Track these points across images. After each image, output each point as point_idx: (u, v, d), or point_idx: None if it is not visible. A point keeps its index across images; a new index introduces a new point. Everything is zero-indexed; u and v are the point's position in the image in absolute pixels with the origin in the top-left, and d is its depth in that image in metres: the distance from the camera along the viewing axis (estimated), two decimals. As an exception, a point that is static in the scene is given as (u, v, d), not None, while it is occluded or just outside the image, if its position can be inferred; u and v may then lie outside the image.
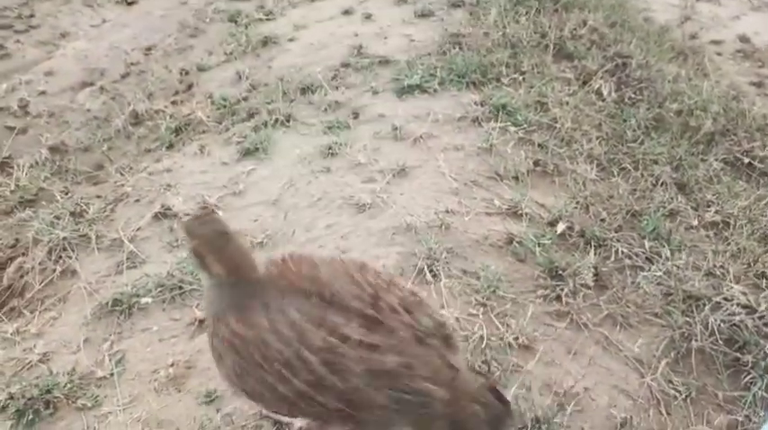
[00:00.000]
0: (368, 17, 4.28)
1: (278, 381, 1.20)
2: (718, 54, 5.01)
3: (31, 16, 5.23)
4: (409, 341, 1.23)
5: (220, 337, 1.27)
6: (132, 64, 4.32)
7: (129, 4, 5.50)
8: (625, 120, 3.19)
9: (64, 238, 2.41)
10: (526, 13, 4.18)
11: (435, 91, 3.29)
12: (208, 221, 1.32)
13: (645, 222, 2.41)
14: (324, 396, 1.20)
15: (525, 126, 2.97)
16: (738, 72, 4.73)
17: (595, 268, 2.10)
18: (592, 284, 2.03)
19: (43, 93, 4.00)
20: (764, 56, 4.93)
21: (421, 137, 2.88)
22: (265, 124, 3.14)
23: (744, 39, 5.23)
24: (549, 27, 3.95)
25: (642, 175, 2.78)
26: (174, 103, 3.65)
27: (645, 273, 2.11)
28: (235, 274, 1.27)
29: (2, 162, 3.23)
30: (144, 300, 2.07)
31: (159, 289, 2.12)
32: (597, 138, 3.00)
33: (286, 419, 1.58)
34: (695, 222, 2.53)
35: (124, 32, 4.90)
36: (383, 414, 1.22)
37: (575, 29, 3.99)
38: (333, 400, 1.20)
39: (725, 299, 2.02)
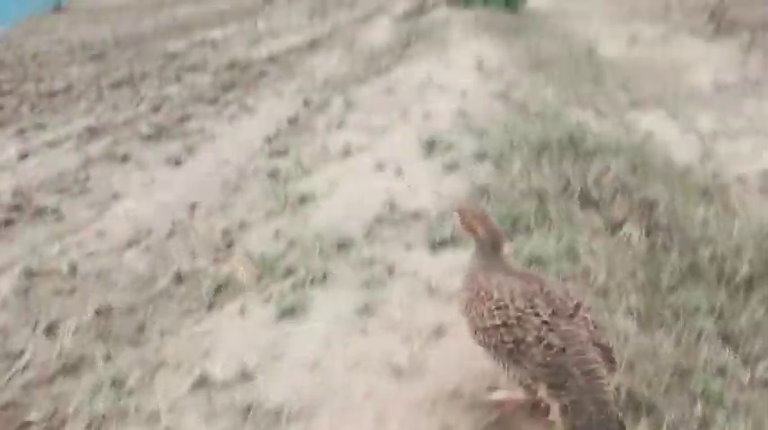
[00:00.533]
0: (398, 172, 4.53)
1: (488, 315, 1.98)
2: (744, 191, 5.07)
3: (86, 179, 5.68)
4: (580, 339, 1.87)
5: (470, 288, 2.13)
6: (177, 222, 4.56)
7: (177, 164, 5.95)
8: (659, 268, 3.18)
9: (103, 414, 2.41)
10: (549, 162, 4.37)
11: (467, 244, 3.36)
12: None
13: (694, 382, 2.32)
14: (506, 335, 1.92)
15: (559, 277, 2.98)
16: (767, 209, 4.75)
17: (648, 439, 1.99)
18: (648, 460, 1.92)
19: (92, 254, 4.22)
20: (791, 192, 4.96)
21: (456, 293, 2.91)
22: (303, 282, 3.22)
23: (767, 174, 5.31)
24: (573, 175, 4.10)
25: (684, 328, 2.72)
26: (215, 260, 3.80)
27: (703, 447, 1.99)
28: (490, 246, 2.16)
29: (49, 325, 3.33)
30: (180, 482, 2.02)
31: (196, 468, 2.07)
32: (633, 288, 2.99)
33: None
34: (746, 380, 2.41)
35: (171, 191, 5.24)
36: (535, 367, 1.86)
37: (598, 176, 4.13)
38: (510, 340, 1.91)
39: (794, 473, 1.87)
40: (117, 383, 2.62)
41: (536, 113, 6.28)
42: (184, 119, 7.66)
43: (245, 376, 2.55)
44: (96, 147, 6.61)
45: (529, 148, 4.61)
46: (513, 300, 1.95)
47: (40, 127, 7.65)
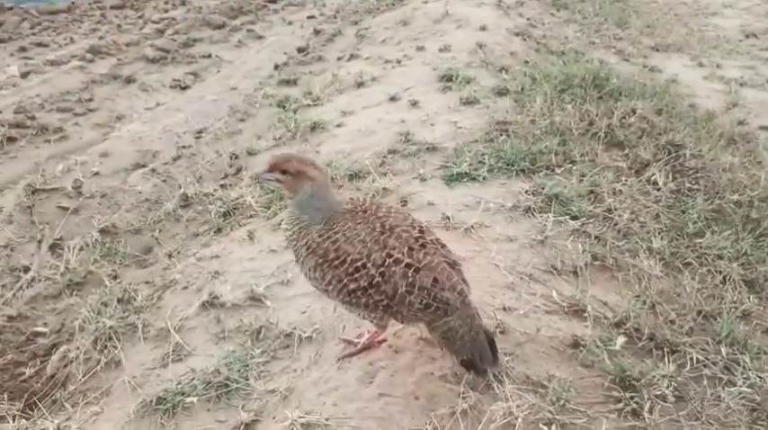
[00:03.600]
0: (414, 104, 4.35)
1: (348, 279, 1.81)
2: (770, 140, 4.91)
3: (90, 100, 5.51)
4: (441, 264, 1.84)
5: (303, 244, 1.88)
6: (184, 147, 4.44)
7: (183, 88, 5.76)
8: (684, 212, 3.08)
9: (110, 327, 2.36)
10: (572, 100, 4.19)
11: (484, 179, 3.25)
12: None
13: (719, 325, 2.25)
14: (377, 295, 1.80)
15: (580, 217, 2.88)
16: (793, 159, 4.61)
17: (672, 378, 1.93)
18: (671, 397, 1.86)
19: (97, 174, 4.12)
20: (817, 142, 4.80)
21: (472, 227, 2.81)
22: (314, 210, 3.12)
23: (794, 125, 5.13)
24: (597, 115, 3.93)
25: (709, 272, 2.64)
26: (223, 186, 3.70)
27: (728, 388, 1.94)
28: (326, 185, 1.93)
29: (53, 243, 3.26)
30: (189, 400, 1.98)
31: (205, 386, 2.03)
32: (656, 230, 2.89)
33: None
34: (772, 325, 2.35)
35: (177, 116, 5.09)
36: (416, 312, 1.81)
37: (623, 117, 3.96)
38: (383, 297, 1.80)
39: (820, 418, 1.83)
40: (124, 301, 2.57)
41: (557, 52, 6.03)
42: (190, 43, 7.40)
43: (255, 299, 2.48)
44: (100, 69, 6.40)
45: (551, 86, 4.41)
46: (369, 257, 1.79)
47: (42, 45, 7.40)
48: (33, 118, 5.00)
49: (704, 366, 2.07)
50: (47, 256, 3.19)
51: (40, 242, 3.29)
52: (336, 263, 1.82)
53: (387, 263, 1.78)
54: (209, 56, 7.00)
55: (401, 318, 1.86)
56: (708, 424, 1.86)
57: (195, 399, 1.98)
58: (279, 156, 1.95)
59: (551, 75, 4.64)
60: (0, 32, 7.76)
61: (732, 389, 1.94)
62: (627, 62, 6.44)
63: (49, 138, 4.72)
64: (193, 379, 2.07)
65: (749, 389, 1.96)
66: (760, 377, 2.02)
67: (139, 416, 1.98)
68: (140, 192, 3.83)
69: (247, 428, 1.87)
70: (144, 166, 4.20)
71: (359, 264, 1.80)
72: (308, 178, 1.86)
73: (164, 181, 3.95)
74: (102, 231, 3.35)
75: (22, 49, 7.18)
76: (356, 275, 1.80)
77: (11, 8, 8.96)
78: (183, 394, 2.00)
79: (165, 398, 1.99)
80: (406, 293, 1.78)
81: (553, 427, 1.72)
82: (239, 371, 2.08)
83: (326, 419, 1.80)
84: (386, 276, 1.78)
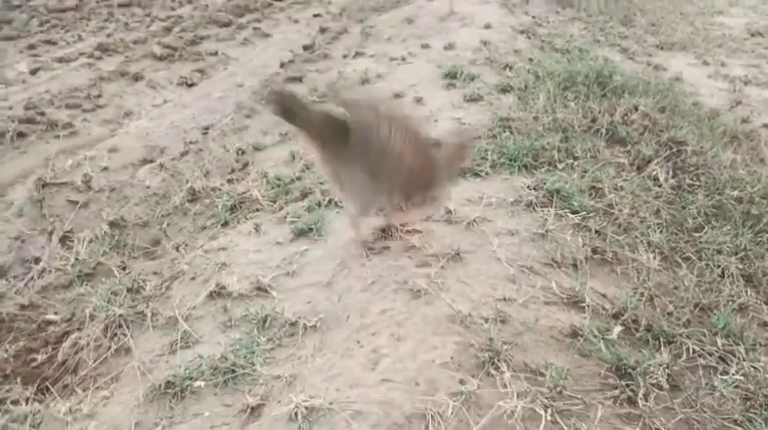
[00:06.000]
0: (418, 101, 4.40)
1: None
2: (773, 138, 4.93)
3: (99, 96, 5.58)
4: None
5: None
6: (191, 142, 4.50)
7: (190, 86, 5.82)
8: (684, 208, 3.12)
9: (120, 315, 2.42)
10: (575, 98, 4.23)
11: (487, 174, 3.30)
12: None
13: (715, 317, 2.30)
14: None
15: (581, 212, 2.93)
16: (795, 157, 4.63)
17: (667, 367, 1.98)
18: (666, 385, 1.91)
19: (106, 169, 4.18)
20: (821, 141, 4.82)
21: (474, 220, 2.86)
22: (319, 204, 3.18)
23: (797, 123, 5.15)
24: (600, 112, 3.98)
25: (707, 266, 2.68)
26: (229, 181, 3.76)
27: (722, 377, 1.98)
28: None
29: (64, 236, 3.33)
30: (197, 384, 2.03)
31: (212, 372, 2.08)
32: (656, 225, 2.93)
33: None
34: (768, 318, 2.39)
35: (184, 112, 5.15)
36: None
37: (626, 114, 4.00)
38: None
39: (812, 407, 1.87)
40: (133, 290, 2.62)
41: (562, 50, 6.07)
42: (197, 41, 7.46)
43: (261, 290, 2.54)
44: (108, 66, 6.48)
45: (554, 83, 4.45)
46: None
47: (51, 43, 7.48)
48: (43, 114, 5.07)
49: (700, 356, 2.12)
50: (57, 248, 3.25)
51: (50, 234, 3.35)
52: None
53: None
54: (216, 53, 7.06)
55: None
56: (702, 411, 1.90)
57: (203, 384, 2.04)
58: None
59: (555, 72, 4.69)
60: (9, 30, 7.83)
61: (726, 377, 1.99)
62: (631, 60, 6.48)
63: (58, 134, 4.79)
64: (201, 364, 2.12)
65: (743, 378, 2.00)
66: (754, 367, 2.06)
67: (148, 400, 2.04)
68: (148, 187, 3.89)
69: (253, 411, 1.92)
70: (152, 161, 4.27)
71: None
72: None
73: (171, 175, 4.01)
74: (112, 224, 3.41)
75: (31, 47, 7.25)
76: None
77: (19, 6, 9.05)
78: (190, 379, 2.06)
79: (173, 383, 2.05)
80: None
81: (549, 413, 1.77)
82: (245, 357, 2.13)
83: (330, 403, 1.85)
84: None
